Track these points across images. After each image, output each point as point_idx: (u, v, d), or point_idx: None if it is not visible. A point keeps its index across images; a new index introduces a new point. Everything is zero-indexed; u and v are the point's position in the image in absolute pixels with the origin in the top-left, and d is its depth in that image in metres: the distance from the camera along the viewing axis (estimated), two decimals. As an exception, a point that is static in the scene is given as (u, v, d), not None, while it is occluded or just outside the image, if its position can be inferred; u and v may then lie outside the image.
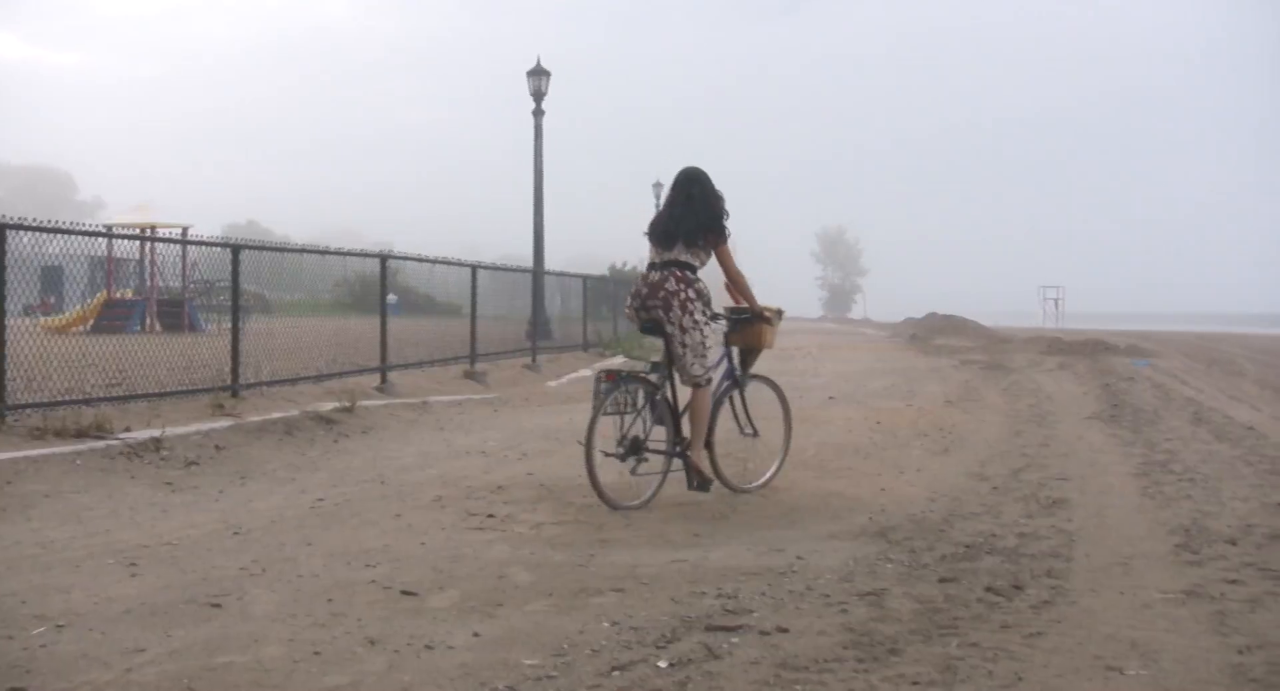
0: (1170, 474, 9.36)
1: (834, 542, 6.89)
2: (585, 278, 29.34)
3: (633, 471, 7.94)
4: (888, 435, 11.81)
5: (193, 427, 10.35)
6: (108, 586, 5.74)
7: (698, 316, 7.99)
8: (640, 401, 8.01)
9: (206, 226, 33.84)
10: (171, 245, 17.18)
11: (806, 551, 6.60)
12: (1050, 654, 4.72)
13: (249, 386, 12.84)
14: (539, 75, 26.65)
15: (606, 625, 5.14)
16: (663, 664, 4.58)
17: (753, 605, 5.46)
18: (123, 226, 24.72)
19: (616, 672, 4.49)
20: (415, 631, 5.05)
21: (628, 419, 7.94)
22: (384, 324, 15.89)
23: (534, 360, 21.80)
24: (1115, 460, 10.26)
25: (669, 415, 8.18)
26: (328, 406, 12.31)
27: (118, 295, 24.92)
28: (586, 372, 21.82)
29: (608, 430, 7.89)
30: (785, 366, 20.15)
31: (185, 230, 26.37)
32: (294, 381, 13.75)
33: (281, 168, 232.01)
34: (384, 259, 16.78)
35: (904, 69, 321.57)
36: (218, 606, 5.40)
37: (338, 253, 15.89)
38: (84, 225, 11.32)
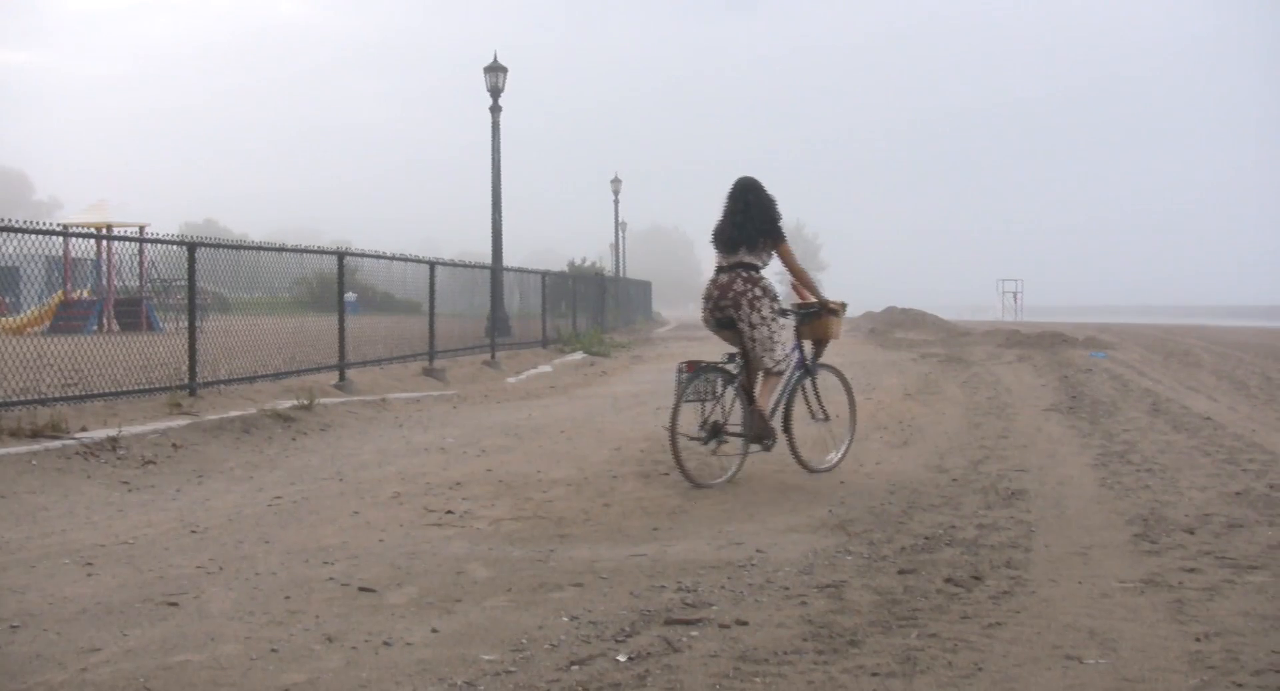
0: (1128, 464, 9.43)
1: (793, 535, 6.91)
2: (544, 274, 29.29)
3: (714, 453, 8.70)
4: (848, 428, 11.81)
5: (150, 426, 10.27)
6: (63, 586, 5.68)
7: (765, 312, 8.68)
8: (719, 389, 8.68)
9: (164, 225, 33.42)
10: (128, 245, 17.03)
11: (766, 544, 6.62)
12: (1010, 644, 4.74)
13: (206, 385, 12.74)
14: (496, 71, 26.60)
15: (565, 620, 5.13)
16: (622, 658, 4.57)
17: (712, 598, 5.46)
18: (79, 226, 24.47)
19: (575, 667, 4.48)
20: (373, 628, 5.02)
21: (708, 405, 8.62)
22: (342, 321, 15.79)
23: (493, 356, 21.75)
24: (1073, 451, 10.32)
25: (745, 401, 8.80)
26: (286, 404, 12.24)
27: (74, 295, 24.71)
28: (546, 368, 21.82)
29: (689, 416, 8.53)
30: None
31: (142, 229, 26.10)
32: (252, 379, 13.66)
33: (239, 166, 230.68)
34: (341, 256, 16.66)
35: (863, 64, 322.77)
36: (174, 605, 5.35)
37: (295, 250, 15.77)
38: (40, 224, 11.19)
